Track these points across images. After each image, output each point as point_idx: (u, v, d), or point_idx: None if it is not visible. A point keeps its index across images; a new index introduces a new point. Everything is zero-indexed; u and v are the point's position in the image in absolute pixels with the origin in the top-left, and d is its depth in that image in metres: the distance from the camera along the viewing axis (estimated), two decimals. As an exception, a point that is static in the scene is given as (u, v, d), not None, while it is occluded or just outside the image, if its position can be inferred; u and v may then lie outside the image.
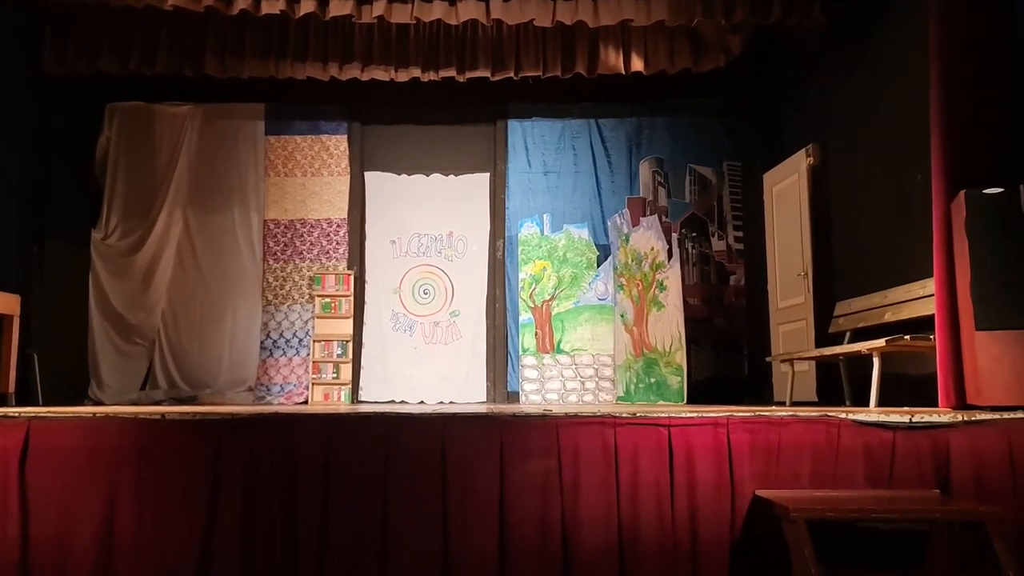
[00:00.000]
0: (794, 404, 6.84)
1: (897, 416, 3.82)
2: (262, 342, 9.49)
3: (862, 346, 5.57)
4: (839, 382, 6.63)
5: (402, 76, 8.46)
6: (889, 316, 5.86)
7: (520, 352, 9.27)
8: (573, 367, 9.18)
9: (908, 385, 5.63)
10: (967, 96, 4.58)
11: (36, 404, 7.23)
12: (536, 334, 9.26)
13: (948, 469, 3.72)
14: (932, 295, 4.76)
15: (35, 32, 7.93)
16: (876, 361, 5.43)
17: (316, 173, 9.78)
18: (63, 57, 7.96)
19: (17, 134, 7.70)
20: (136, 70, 8.07)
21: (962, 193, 4.33)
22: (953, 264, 4.41)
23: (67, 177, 8.81)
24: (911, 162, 5.60)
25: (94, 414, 3.93)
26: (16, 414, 3.89)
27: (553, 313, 9.29)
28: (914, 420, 3.79)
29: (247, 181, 9.70)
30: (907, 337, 5.18)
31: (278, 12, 7.09)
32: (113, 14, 7.66)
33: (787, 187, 7.85)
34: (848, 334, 6.53)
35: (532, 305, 9.31)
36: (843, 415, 3.85)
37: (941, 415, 3.86)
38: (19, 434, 3.79)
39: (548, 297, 9.31)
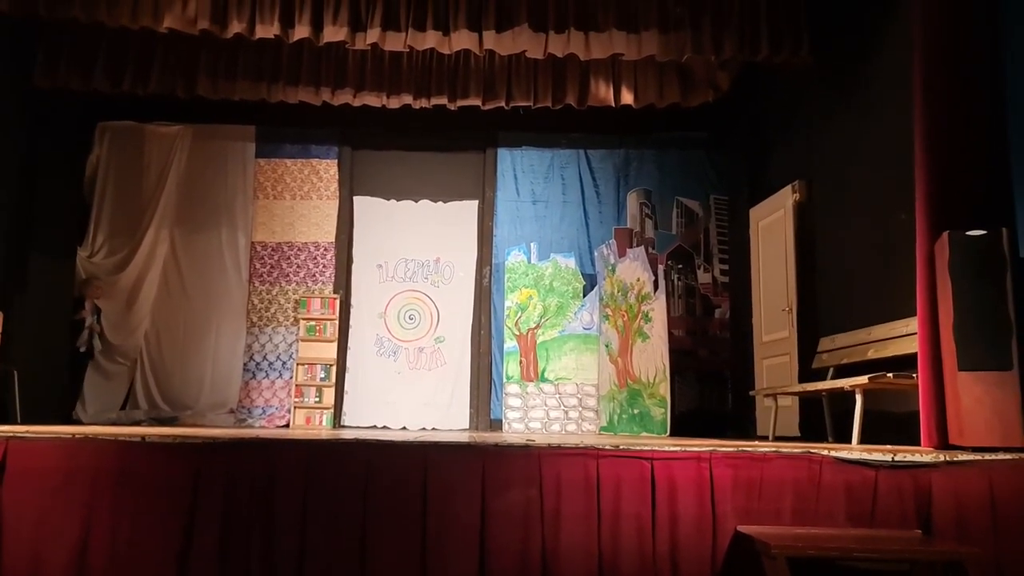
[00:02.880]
0: (777, 439, 6.84)
1: (879, 454, 3.82)
2: (245, 364, 9.43)
3: (845, 382, 5.59)
4: (822, 417, 6.63)
5: (394, 102, 8.51)
6: (872, 353, 5.89)
7: (504, 380, 9.24)
8: (557, 396, 9.16)
9: (890, 422, 5.65)
10: (951, 137, 4.64)
11: (14, 423, 7.14)
12: (520, 362, 9.25)
13: (930, 509, 3.72)
14: (915, 334, 4.78)
15: (27, 48, 7.91)
16: (859, 398, 5.45)
17: (305, 196, 9.78)
18: (56, 73, 7.96)
19: (5, 149, 7.66)
20: (129, 90, 8.10)
21: (946, 234, 4.38)
22: (936, 304, 4.45)
23: (55, 194, 8.73)
24: (896, 201, 5.65)
25: (73, 435, 3.89)
26: (-6, 432, 3.85)
27: (538, 341, 9.28)
28: (896, 459, 3.80)
29: (235, 202, 9.68)
30: (890, 375, 5.19)
31: (272, 36, 7.11)
32: (108, 33, 7.66)
33: (773, 222, 7.91)
34: (831, 370, 6.55)
35: (517, 333, 9.30)
36: (825, 452, 3.85)
37: (923, 455, 3.87)
38: (-4, 453, 3.74)
39: (533, 325, 9.31)
